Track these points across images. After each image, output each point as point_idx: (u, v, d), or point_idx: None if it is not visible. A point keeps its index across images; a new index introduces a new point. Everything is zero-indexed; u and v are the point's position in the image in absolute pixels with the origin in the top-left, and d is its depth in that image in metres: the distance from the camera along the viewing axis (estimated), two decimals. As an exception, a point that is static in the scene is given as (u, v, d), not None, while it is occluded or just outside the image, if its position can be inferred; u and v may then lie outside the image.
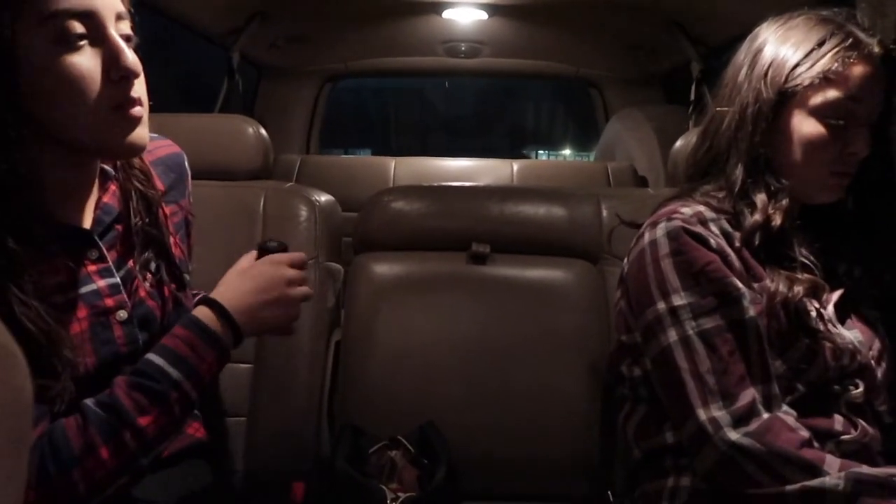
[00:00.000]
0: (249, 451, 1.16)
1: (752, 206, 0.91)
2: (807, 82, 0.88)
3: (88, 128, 0.72)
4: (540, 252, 1.34)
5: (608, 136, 3.06)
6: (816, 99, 0.88)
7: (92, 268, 0.80)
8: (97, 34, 0.71)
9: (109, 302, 0.80)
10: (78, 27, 0.69)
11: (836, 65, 0.86)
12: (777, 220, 0.89)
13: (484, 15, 2.42)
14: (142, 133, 0.77)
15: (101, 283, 0.80)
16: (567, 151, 11.27)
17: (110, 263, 0.82)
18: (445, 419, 1.16)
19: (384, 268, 1.32)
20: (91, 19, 0.70)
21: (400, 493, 1.03)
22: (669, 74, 2.92)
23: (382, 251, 1.34)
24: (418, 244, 1.34)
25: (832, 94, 0.87)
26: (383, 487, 1.03)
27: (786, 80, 0.89)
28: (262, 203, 1.29)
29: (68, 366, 0.73)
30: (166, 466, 0.90)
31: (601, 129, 3.20)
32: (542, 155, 10.79)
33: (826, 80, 0.87)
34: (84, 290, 0.78)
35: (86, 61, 0.70)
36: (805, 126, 0.90)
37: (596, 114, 3.30)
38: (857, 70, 0.86)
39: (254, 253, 0.92)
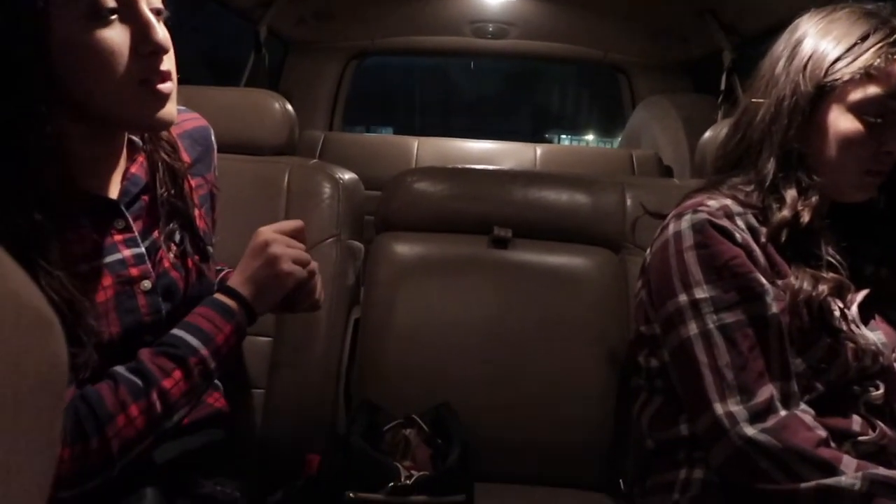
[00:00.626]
0: (267, 422, 1.18)
1: (782, 202, 0.89)
2: (847, 77, 0.86)
3: (117, 102, 0.73)
4: (562, 238, 1.33)
5: (634, 124, 3.02)
6: (856, 95, 0.87)
7: (118, 237, 0.81)
8: (128, 8, 0.71)
9: (134, 271, 0.82)
10: (109, 1, 0.70)
11: (878, 60, 0.84)
12: (805, 217, 0.88)
13: (513, -5, 2.40)
14: (171, 109, 0.78)
15: (127, 252, 0.82)
16: (590, 137, 11.15)
17: (136, 233, 0.83)
18: (461, 400, 1.17)
19: (405, 248, 1.32)
20: None
21: (413, 472, 1.04)
22: (699, 63, 2.87)
23: (404, 231, 1.34)
24: (440, 226, 1.34)
25: (872, 90, 0.85)
26: (397, 465, 1.05)
27: (825, 74, 0.87)
28: (286, 179, 1.29)
29: (92, 335, 0.75)
30: (187, 434, 0.92)
31: (627, 115, 3.16)
32: (565, 139, 10.69)
33: (867, 75, 0.85)
34: (110, 259, 0.80)
35: (116, 35, 0.71)
36: (842, 122, 0.88)
37: (622, 100, 3.26)
38: None
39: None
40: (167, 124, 0.80)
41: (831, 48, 0.87)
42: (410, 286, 1.29)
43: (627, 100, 3.19)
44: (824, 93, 0.88)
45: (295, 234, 0.91)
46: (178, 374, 0.78)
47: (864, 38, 0.86)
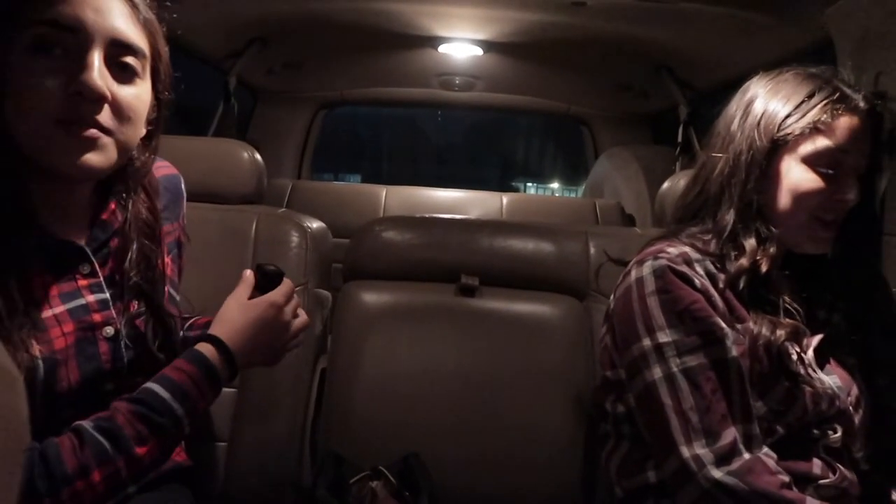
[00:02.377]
0: (230, 476, 1.15)
1: (741, 250, 0.93)
2: (798, 131, 0.91)
3: (34, 138, 0.71)
4: (528, 287, 1.35)
5: (597, 174, 3.11)
6: (807, 147, 0.92)
7: (83, 282, 0.80)
8: (75, 51, 0.71)
9: (97, 317, 0.80)
10: (54, 37, 0.69)
11: (825, 116, 0.90)
12: (764, 267, 0.91)
13: (479, 51, 2.48)
14: (94, 158, 0.73)
15: (91, 297, 0.80)
16: (555, 185, 11.39)
17: (101, 279, 0.82)
18: (429, 451, 1.16)
19: (373, 296, 1.32)
20: (75, 35, 0.70)
21: (380, 525, 1.02)
22: (658, 116, 2.99)
23: (372, 280, 1.35)
24: (408, 274, 1.35)
25: (822, 143, 0.91)
26: (364, 518, 1.03)
27: (778, 129, 0.93)
28: (253, 227, 1.29)
29: (55, 382, 0.73)
30: (147, 490, 0.89)
31: (590, 165, 3.26)
32: (531, 188, 10.90)
33: (816, 129, 0.91)
34: (73, 304, 0.78)
35: (51, 70, 0.69)
36: (795, 173, 0.93)
37: (585, 151, 3.36)
38: (845, 121, 0.90)
39: (250, 276, 0.93)
40: (89, 174, 0.75)
41: (781, 106, 0.93)
42: (378, 335, 1.29)
43: (590, 150, 3.29)
44: (778, 147, 0.93)
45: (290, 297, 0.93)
46: (153, 442, 0.75)
47: (810, 97, 0.92)
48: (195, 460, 1.03)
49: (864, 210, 0.95)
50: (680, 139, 2.48)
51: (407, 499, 1.08)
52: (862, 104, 0.91)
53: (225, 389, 1.17)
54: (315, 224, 1.36)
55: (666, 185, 1.43)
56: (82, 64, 0.70)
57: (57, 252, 0.78)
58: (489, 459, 1.20)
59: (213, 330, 0.85)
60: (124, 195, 0.85)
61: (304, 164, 3.19)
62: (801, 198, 0.92)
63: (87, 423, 0.73)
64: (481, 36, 2.32)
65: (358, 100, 3.25)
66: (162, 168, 0.97)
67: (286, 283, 0.93)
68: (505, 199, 2.78)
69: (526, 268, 1.36)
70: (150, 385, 0.78)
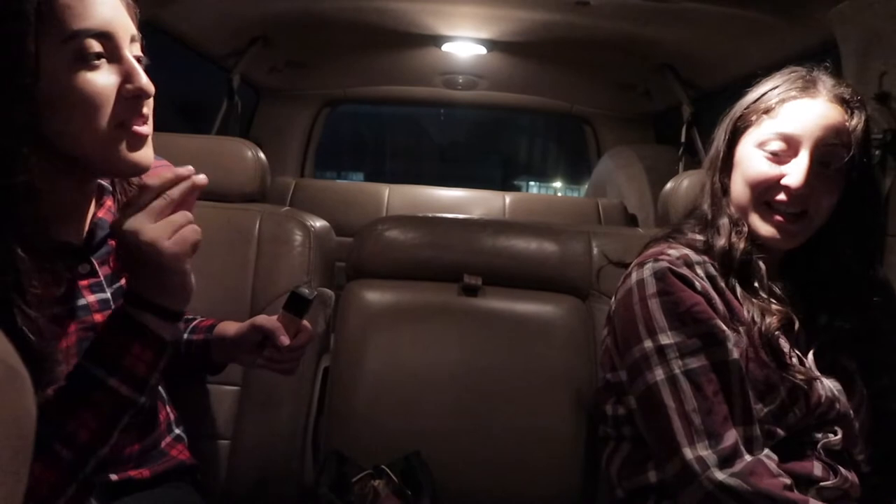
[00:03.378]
0: (232, 474, 1.15)
1: (719, 232, 0.97)
2: (753, 117, 0.95)
3: (97, 143, 0.73)
4: (530, 286, 1.36)
5: (600, 173, 3.11)
6: (758, 132, 0.95)
7: (83, 282, 0.80)
8: (114, 54, 0.73)
9: (98, 317, 0.80)
10: (96, 46, 0.71)
11: (774, 100, 0.93)
12: (740, 245, 0.94)
13: (482, 50, 2.48)
14: (147, 153, 0.78)
15: (92, 297, 0.81)
16: (558, 184, 11.38)
17: (101, 278, 0.82)
18: (430, 450, 1.16)
19: (376, 295, 1.32)
20: (108, 39, 0.72)
21: (382, 524, 1.02)
22: (661, 115, 2.99)
23: (375, 279, 1.35)
24: (411, 273, 1.35)
25: (768, 126, 0.93)
26: (366, 517, 1.03)
27: (739, 116, 0.98)
28: (257, 226, 1.29)
29: (54, 382, 0.73)
30: (150, 487, 0.90)
31: (593, 165, 3.25)
32: (534, 186, 10.88)
33: (766, 112, 0.94)
34: (74, 304, 0.79)
35: (102, 78, 0.72)
36: (747, 156, 0.96)
37: (588, 150, 3.35)
38: (795, 106, 0.92)
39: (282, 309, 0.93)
40: (143, 168, 0.78)
41: (750, 96, 0.98)
42: (381, 334, 1.29)
43: (593, 149, 3.29)
44: (738, 132, 0.98)
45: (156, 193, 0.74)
46: (85, 414, 0.71)
47: (775, 87, 0.95)
48: (198, 458, 1.03)
49: (865, 211, 0.95)
50: (683, 139, 2.48)
51: (409, 497, 1.09)
52: (824, 96, 0.92)
53: (228, 387, 1.19)
54: (318, 223, 1.36)
55: (669, 185, 1.43)
56: (127, 66, 0.74)
57: (57, 252, 0.78)
58: (490, 459, 1.21)
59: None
60: (119, 192, 0.86)
61: (308, 163, 3.19)
62: (748, 180, 0.95)
63: None
64: (484, 35, 2.32)
65: (361, 98, 3.25)
66: (162, 168, 0.98)
67: (306, 331, 0.94)
68: (508, 198, 2.78)
69: (528, 267, 1.37)
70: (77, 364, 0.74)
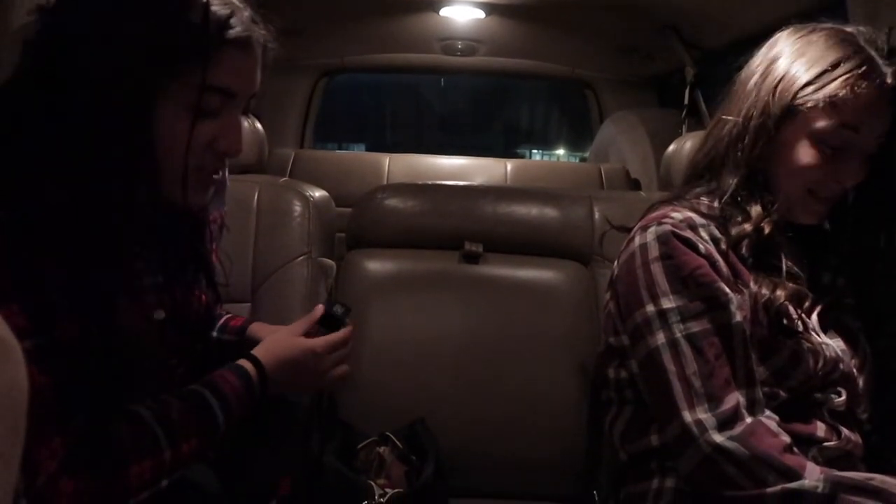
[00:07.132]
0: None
1: (745, 215, 0.91)
2: (811, 104, 0.87)
3: (173, 181, 0.73)
4: (532, 252, 1.35)
5: (602, 138, 3.07)
6: (818, 123, 0.88)
7: (137, 265, 0.80)
8: (227, 113, 0.74)
9: (149, 300, 0.81)
10: (216, 102, 0.71)
11: (844, 91, 0.85)
12: (767, 231, 0.90)
13: (481, 14, 2.43)
14: (208, 196, 0.81)
15: (145, 280, 0.81)
16: (561, 151, 11.28)
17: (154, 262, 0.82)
18: (435, 416, 1.17)
19: (377, 265, 1.32)
20: (231, 98, 0.73)
21: (388, 489, 1.03)
22: (663, 78, 2.94)
23: (375, 248, 1.35)
24: (411, 242, 1.35)
25: (833, 119, 0.87)
26: (371, 483, 1.04)
27: (793, 98, 0.88)
28: (256, 197, 1.29)
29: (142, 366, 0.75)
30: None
31: (595, 130, 3.22)
32: (536, 154, 10.80)
33: (831, 105, 0.86)
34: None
35: (207, 130, 0.72)
36: (799, 146, 0.90)
37: (590, 115, 3.31)
38: (864, 100, 0.85)
39: (318, 310, 0.95)
40: (202, 207, 0.83)
41: (803, 72, 0.88)
42: (382, 302, 1.29)
43: (595, 115, 3.24)
44: (790, 115, 0.89)
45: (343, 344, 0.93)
46: (195, 441, 0.75)
47: (834, 66, 0.86)
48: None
49: (877, 183, 0.93)
50: (686, 101, 2.44)
51: (414, 463, 1.10)
52: (889, 80, 0.86)
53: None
54: (318, 193, 1.36)
55: (672, 147, 1.42)
56: (231, 125, 0.75)
57: None
58: (493, 424, 1.22)
59: (258, 353, 0.87)
60: None
61: (307, 134, 3.16)
62: (799, 171, 0.90)
63: (144, 411, 0.72)
64: (482, -3, 2.28)
65: (359, 67, 3.20)
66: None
67: (341, 332, 0.94)
68: (509, 165, 2.76)
69: (530, 233, 1.36)
70: (198, 388, 0.78)
